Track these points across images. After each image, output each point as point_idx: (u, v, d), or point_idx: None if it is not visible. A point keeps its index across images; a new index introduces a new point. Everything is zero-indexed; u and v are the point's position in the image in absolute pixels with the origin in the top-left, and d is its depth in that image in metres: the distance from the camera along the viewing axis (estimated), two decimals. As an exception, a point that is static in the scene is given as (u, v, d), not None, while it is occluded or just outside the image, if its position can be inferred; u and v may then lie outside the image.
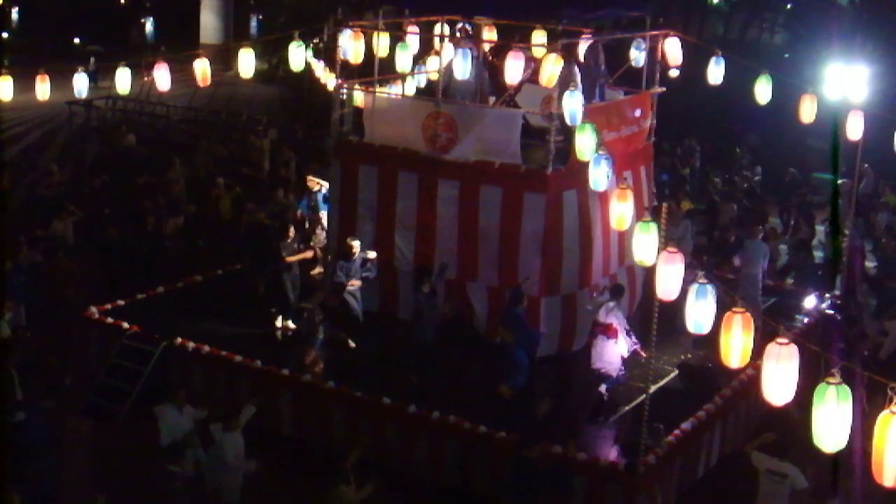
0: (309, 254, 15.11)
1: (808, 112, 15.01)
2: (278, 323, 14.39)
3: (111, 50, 30.13)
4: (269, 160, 23.98)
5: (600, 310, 12.75)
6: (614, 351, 12.53)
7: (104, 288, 15.57)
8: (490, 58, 16.04)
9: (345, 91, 15.31)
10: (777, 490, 10.44)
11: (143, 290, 15.29)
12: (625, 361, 12.63)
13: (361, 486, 9.99)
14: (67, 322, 14.85)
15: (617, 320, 12.62)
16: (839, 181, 20.07)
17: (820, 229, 20.24)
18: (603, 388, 12.57)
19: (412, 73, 16.26)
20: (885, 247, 18.96)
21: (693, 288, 8.88)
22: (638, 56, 15.39)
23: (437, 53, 15.46)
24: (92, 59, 29.57)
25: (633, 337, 12.69)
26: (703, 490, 12.41)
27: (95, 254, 16.71)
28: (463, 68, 14.95)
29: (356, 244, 13.95)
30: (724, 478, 12.53)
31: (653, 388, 11.79)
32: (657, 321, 10.75)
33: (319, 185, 16.48)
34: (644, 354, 12.23)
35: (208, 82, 15.41)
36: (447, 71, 14.84)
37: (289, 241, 14.54)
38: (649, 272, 11.06)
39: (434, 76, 15.39)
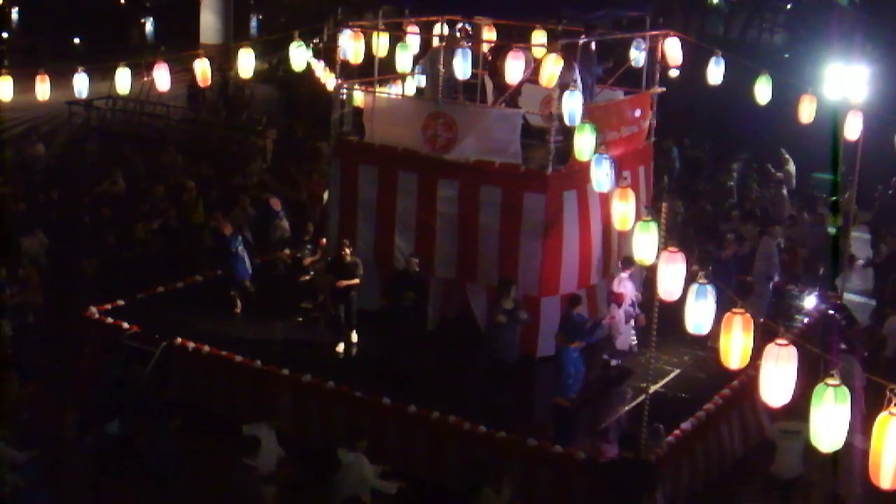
0: (356, 281, 13.87)
1: (807, 112, 15.01)
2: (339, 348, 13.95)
3: (111, 50, 30.00)
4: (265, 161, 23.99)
5: (614, 280, 13.63)
6: (623, 319, 13.37)
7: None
8: (490, 58, 16.04)
9: (345, 91, 15.31)
10: (792, 447, 11.21)
11: (141, 291, 15.31)
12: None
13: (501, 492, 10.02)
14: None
15: (625, 290, 13.48)
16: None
17: None
18: (607, 357, 13.49)
19: (412, 73, 16.26)
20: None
21: (693, 288, 8.89)
22: (638, 56, 15.38)
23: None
24: None
25: (636, 308, 13.57)
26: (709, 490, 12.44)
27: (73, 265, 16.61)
28: (463, 68, 15.00)
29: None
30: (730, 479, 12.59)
31: (653, 388, 11.82)
32: (657, 321, 10.80)
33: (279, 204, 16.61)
34: (643, 320, 12.91)
35: (208, 82, 15.41)
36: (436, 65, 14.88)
37: (347, 259, 13.79)
38: (650, 272, 11.12)
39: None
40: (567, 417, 12.58)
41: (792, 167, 22.86)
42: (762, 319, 14.05)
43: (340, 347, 13.90)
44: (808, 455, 11.11)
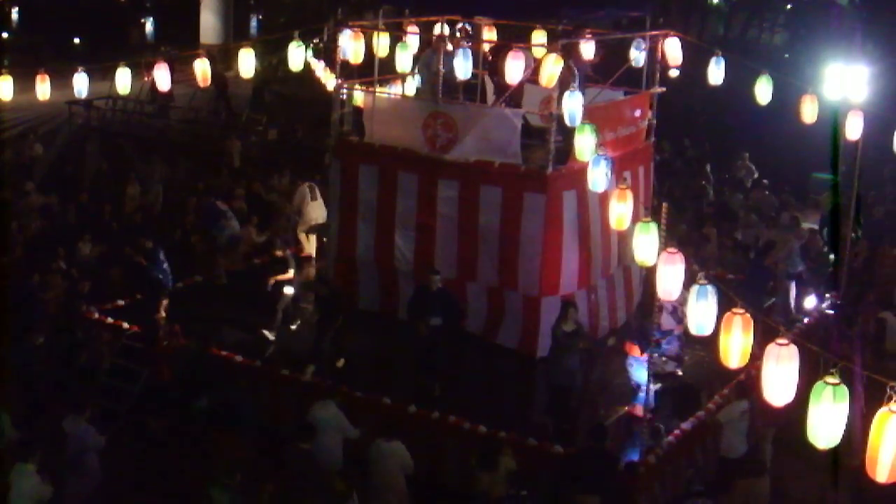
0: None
1: (808, 112, 15.01)
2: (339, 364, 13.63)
3: (111, 50, 29.96)
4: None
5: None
6: (667, 322, 12.94)
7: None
8: (490, 58, 16.04)
9: (345, 91, 15.32)
10: (741, 427, 11.61)
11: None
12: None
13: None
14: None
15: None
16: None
17: None
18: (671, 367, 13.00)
19: (412, 73, 16.26)
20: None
21: (694, 289, 8.89)
22: (638, 56, 15.38)
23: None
24: None
25: (676, 314, 12.89)
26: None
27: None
28: (464, 68, 14.99)
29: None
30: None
31: (653, 388, 11.82)
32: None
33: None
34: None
35: (208, 82, 15.41)
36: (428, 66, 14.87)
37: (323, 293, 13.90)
38: (649, 272, 11.11)
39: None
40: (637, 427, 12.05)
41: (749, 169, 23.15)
42: (790, 317, 14.28)
43: (311, 369, 13.16)
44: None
